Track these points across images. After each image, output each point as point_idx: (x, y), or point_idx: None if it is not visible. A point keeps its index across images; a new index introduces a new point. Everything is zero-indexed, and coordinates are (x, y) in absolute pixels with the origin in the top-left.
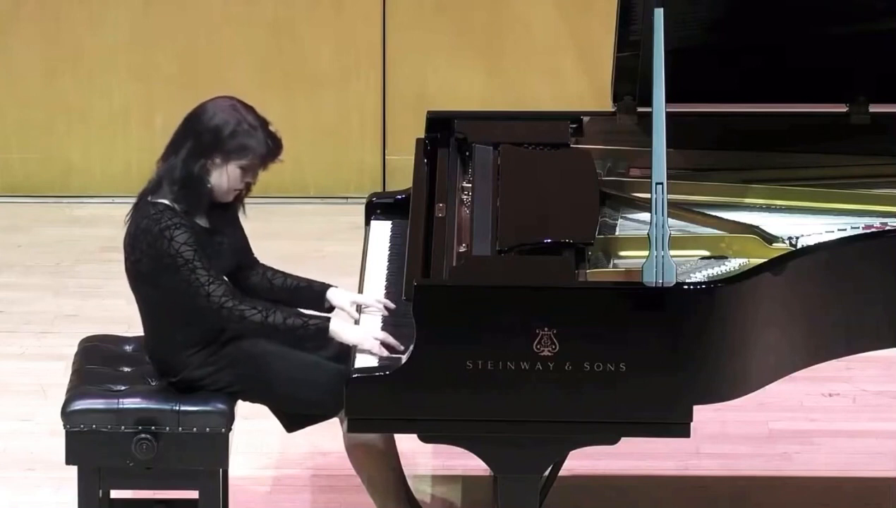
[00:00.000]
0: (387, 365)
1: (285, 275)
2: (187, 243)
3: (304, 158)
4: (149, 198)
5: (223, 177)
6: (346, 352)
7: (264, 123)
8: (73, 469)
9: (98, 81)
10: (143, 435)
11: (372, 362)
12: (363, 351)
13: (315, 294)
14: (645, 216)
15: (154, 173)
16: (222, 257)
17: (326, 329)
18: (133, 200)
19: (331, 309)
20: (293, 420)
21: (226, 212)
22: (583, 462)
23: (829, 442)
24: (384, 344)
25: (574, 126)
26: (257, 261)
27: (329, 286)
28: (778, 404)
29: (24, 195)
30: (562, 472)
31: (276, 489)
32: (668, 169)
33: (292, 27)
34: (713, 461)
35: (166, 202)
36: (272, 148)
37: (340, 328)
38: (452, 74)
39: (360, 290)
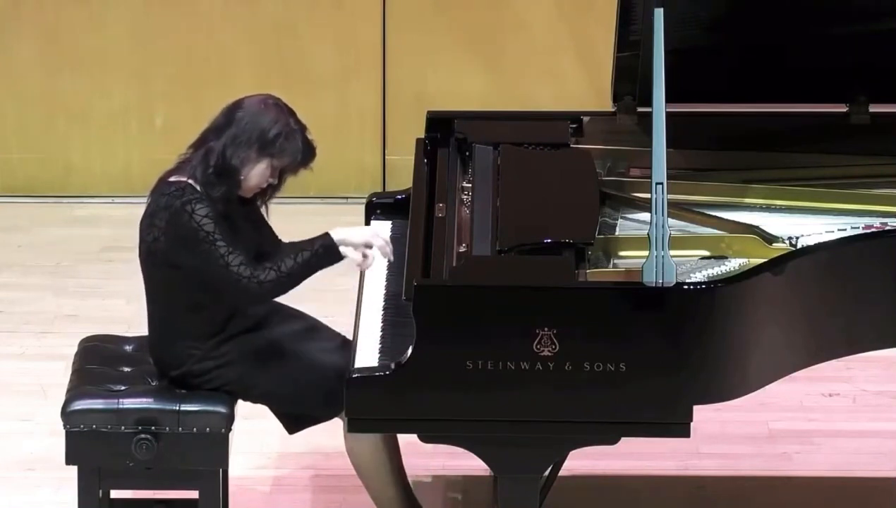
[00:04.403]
0: (387, 365)
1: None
2: (208, 216)
3: None
4: (169, 179)
5: (254, 172)
6: (347, 350)
7: (304, 128)
8: (73, 469)
9: (98, 81)
10: (143, 435)
11: (372, 362)
12: (353, 249)
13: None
14: (645, 216)
15: (182, 156)
16: (236, 236)
17: (332, 243)
18: (133, 200)
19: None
20: (294, 421)
21: (242, 207)
22: (583, 462)
23: (829, 442)
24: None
25: (574, 126)
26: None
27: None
28: (778, 404)
29: (24, 195)
30: (562, 472)
31: (276, 489)
32: (668, 169)
33: (292, 27)
34: (713, 461)
35: (186, 180)
36: (307, 155)
37: (344, 233)
38: (452, 74)
39: (361, 292)
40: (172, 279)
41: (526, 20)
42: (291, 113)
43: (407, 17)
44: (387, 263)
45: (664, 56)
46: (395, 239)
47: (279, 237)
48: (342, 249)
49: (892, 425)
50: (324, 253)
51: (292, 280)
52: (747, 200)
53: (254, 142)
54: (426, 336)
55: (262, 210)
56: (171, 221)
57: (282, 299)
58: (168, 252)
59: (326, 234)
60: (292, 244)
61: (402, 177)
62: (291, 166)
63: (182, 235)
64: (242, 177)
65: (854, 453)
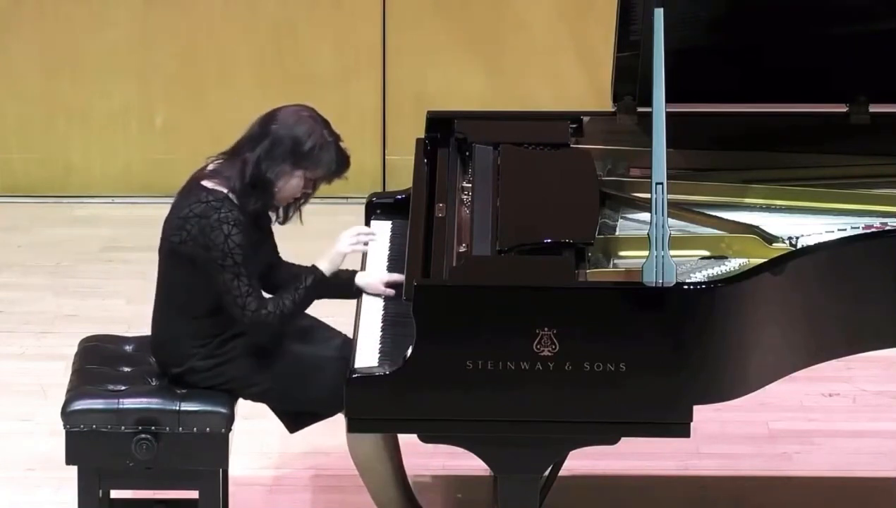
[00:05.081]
0: (387, 365)
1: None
2: (241, 245)
3: None
4: (205, 184)
5: (289, 184)
6: (348, 348)
7: (337, 139)
8: (73, 469)
9: (98, 81)
10: (143, 435)
11: (372, 362)
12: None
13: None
14: (645, 216)
15: (213, 162)
16: (255, 257)
17: (321, 275)
18: (133, 200)
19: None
20: (294, 419)
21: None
22: (583, 462)
23: (829, 442)
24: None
25: (574, 126)
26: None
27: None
28: (778, 404)
29: (24, 195)
30: (562, 472)
31: (276, 489)
32: (668, 169)
33: (292, 27)
34: (713, 461)
35: (225, 191)
36: (341, 165)
37: (329, 262)
38: (452, 74)
39: (361, 292)
40: (192, 282)
41: (526, 20)
42: (325, 123)
43: (407, 17)
44: (387, 263)
45: (664, 56)
46: (395, 238)
47: (278, 251)
48: (329, 273)
49: (892, 425)
50: (314, 285)
51: (293, 315)
52: (747, 200)
53: (288, 155)
54: (426, 336)
55: (296, 216)
56: (203, 232)
57: None
58: (193, 256)
59: (314, 267)
60: (291, 272)
61: (402, 177)
62: (327, 176)
63: (210, 252)
64: (277, 190)
65: (854, 453)
